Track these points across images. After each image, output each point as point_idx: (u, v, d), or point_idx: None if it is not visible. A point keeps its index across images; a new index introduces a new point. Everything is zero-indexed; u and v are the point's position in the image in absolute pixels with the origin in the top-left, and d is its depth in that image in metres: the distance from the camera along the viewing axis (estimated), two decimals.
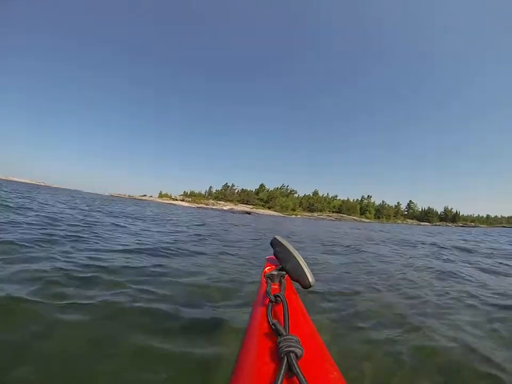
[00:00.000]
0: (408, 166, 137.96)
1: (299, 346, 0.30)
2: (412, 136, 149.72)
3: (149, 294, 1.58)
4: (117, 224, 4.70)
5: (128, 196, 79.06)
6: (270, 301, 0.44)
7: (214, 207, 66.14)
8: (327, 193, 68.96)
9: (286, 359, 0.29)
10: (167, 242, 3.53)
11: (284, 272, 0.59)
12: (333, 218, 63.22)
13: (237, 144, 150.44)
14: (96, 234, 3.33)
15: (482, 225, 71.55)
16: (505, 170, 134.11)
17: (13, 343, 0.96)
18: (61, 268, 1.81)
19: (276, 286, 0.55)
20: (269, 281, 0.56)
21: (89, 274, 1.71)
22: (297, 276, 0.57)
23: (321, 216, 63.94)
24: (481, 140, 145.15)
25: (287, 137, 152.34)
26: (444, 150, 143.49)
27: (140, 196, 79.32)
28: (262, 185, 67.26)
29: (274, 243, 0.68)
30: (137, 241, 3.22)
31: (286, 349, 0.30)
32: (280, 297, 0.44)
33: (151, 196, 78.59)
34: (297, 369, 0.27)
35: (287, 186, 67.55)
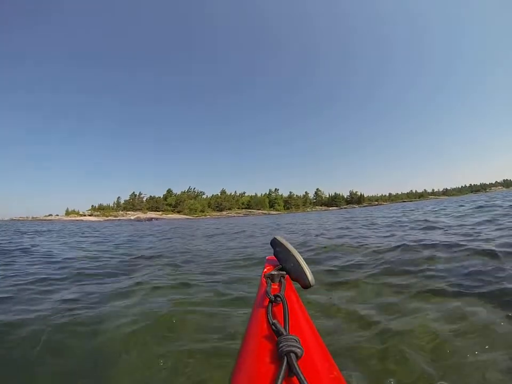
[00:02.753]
0: (312, 157, 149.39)
1: (299, 346, 0.31)
2: (310, 129, 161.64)
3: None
4: None
5: (32, 217, 72.80)
6: (270, 300, 0.44)
7: (122, 218, 64.33)
8: (235, 191, 71.44)
9: (286, 359, 0.29)
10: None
11: (284, 272, 0.59)
12: (241, 215, 65.85)
13: (138, 150, 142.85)
14: None
15: (385, 203, 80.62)
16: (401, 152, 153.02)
17: None
18: None
19: (276, 286, 0.54)
20: (269, 281, 0.55)
21: None
22: (297, 276, 0.57)
23: (230, 214, 66.11)
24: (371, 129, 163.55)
25: (190, 139, 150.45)
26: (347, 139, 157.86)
27: (45, 216, 73.56)
28: (169, 190, 67.62)
29: (274, 243, 0.67)
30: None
31: (286, 349, 0.30)
32: (280, 297, 0.43)
33: (57, 215, 73.29)
34: (297, 369, 0.27)
35: (194, 188, 68.80)
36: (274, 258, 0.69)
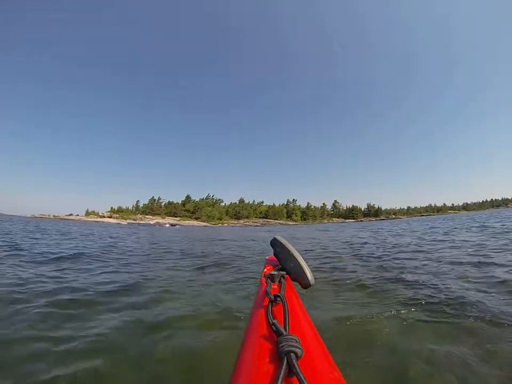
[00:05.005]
0: (331, 168, 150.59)
1: (299, 346, 0.31)
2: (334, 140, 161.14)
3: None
4: None
5: (53, 215, 74.89)
6: (270, 300, 0.44)
7: (141, 221, 65.65)
8: (253, 200, 71.78)
9: (286, 359, 0.29)
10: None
11: (284, 272, 0.60)
12: (259, 224, 66.11)
13: (160, 156, 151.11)
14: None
15: (402, 217, 79.44)
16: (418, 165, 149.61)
17: None
18: None
19: (276, 286, 0.56)
20: (269, 281, 0.56)
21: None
22: (297, 276, 0.58)
23: (247, 223, 66.52)
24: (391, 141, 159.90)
25: (207, 147, 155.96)
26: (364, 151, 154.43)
27: (66, 215, 75.58)
28: (188, 197, 68.63)
29: (274, 243, 0.69)
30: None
31: (286, 349, 0.30)
32: (280, 297, 0.44)
33: (78, 215, 75.25)
34: (297, 369, 0.28)
35: (213, 196, 69.45)
36: (274, 258, 0.70)
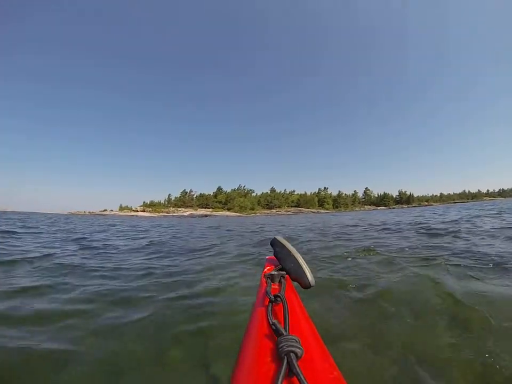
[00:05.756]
0: (362, 156, 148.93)
1: (299, 346, 0.31)
2: (362, 129, 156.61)
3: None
4: None
5: (89, 212, 77.70)
6: (270, 301, 0.45)
7: (174, 214, 66.93)
8: (285, 189, 71.60)
9: (286, 359, 0.30)
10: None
11: (284, 272, 0.61)
12: (290, 213, 65.85)
13: (190, 148, 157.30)
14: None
15: (435, 204, 77.00)
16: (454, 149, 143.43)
17: None
18: None
19: (276, 286, 0.56)
20: (269, 281, 0.57)
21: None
22: (297, 276, 0.59)
23: (279, 212, 66.40)
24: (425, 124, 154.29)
25: (239, 138, 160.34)
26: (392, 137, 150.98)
27: (100, 211, 78.15)
28: (219, 188, 69.55)
29: (274, 243, 0.70)
30: None
31: (286, 349, 0.30)
32: (280, 297, 0.45)
33: (112, 210, 77.56)
34: (297, 369, 0.28)
35: (244, 186, 70.09)
36: (274, 258, 0.70)
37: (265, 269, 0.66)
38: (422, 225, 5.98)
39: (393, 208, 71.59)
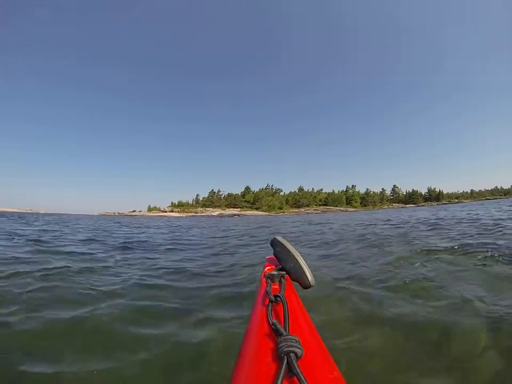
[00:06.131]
0: (388, 152, 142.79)
1: (299, 346, 0.31)
2: (386, 124, 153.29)
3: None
4: None
5: (118, 213, 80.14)
6: (270, 301, 0.45)
7: (203, 214, 68.25)
8: (312, 188, 71.65)
9: (286, 359, 0.30)
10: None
11: (284, 272, 0.61)
12: (319, 212, 65.87)
13: (216, 149, 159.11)
14: None
15: (465, 201, 74.84)
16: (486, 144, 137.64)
17: None
18: None
19: (276, 286, 0.57)
20: (269, 281, 0.58)
21: None
22: (297, 276, 0.60)
23: (308, 211, 66.61)
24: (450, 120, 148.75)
25: (267, 137, 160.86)
26: (417, 133, 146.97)
27: (129, 211, 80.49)
28: (247, 188, 70.72)
29: (274, 243, 0.71)
30: None
31: (286, 349, 0.31)
32: (280, 297, 0.45)
33: (140, 211, 79.80)
34: (297, 369, 0.28)
35: (272, 185, 70.53)
36: (274, 258, 0.71)
37: (265, 269, 0.67)
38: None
39: (422, 205, 70.15)
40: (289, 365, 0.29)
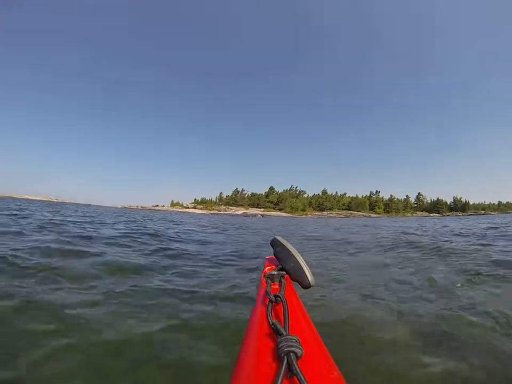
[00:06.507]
0: (414, 159, 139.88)
1: (299, 346, 0.32)
2: (411, 131, 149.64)
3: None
4: None
5: (141, 206, 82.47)
6: (270, 301, 0.46)
7: (226, 212, 69.44)
8: (336, 192, 71.80)
9: (286, 359, 0.30)
10: None
11: (284, 272, 0.62)
12: (342, 216, 66.05)
13: (243, 149, 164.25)
14: None
15: (492, 213, 73.14)
16: None
17: None
18: None
19: (276, 286, 0.58)
20: (269, 281, 0.58)
21: None
22: (297, 276, 0.60)
23: (331, 215, 66.81)
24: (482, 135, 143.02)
25: (292, 139, 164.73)
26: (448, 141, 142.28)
27: (153, 206, 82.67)
28: (271, 188, 71.74)
29: (274, 243, 0.71)
30: None
31: (286, 349, 0.31)
32: (280, 297, 0.46)
33: (163, 206, 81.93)
34: (297, 369, 0.28)
35: (296, 187, 71.39)
36: (274, 258, 0.71)
37: (265, 269, 0.67)
38: None
39: (447, 215, 68.93)
40: (289, 365, 0.30)
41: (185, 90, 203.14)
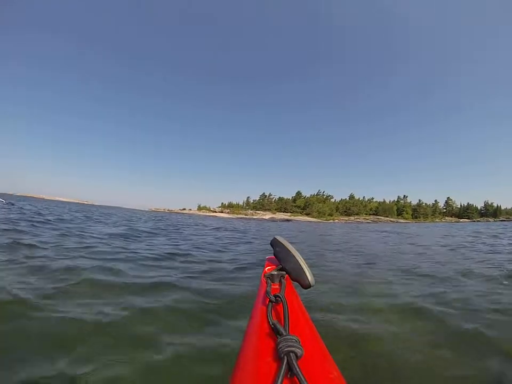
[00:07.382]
0: (443, 162, 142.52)
1: (299, 346, 0.32)
2: (446, 133, 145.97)
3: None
4: None
5: (168, 210, 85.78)
6: (270, 301, 0.46)
7: (253, 217, 71.49)
8: (363, 196, 72.55)
9: (286, 359, 0.30)
10: None
11: (284, 272, 0.62)
12: (369, 221, 66.84)
13: (271, 153, 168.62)
14: None
15: None
16: None
17: None
18: None
19: (276, 286, 0.58)
20: (269, 281, 0.59)
21: None
22: (297, 276, 0.61)
23: (358, 220, 67.64)
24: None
25: (319, 143, 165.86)
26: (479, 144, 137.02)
27: (180, 209, 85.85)
28: (298, 193, 73.57)
29: (274, 243, 0.72)
30: None
31: (286, 349, 0.31)
32: (280, 297, 0.46)
33: (190, 209, 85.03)
34: (297, 369, 0.29)
35: (323, 192, 72.80)
36: (274, 258, 0.73)
37: (265, 269, 0.68)
38: None
39: (478, 221, 67.66)
40: (289, 365, 0.30)
41: (230, 98, 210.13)
